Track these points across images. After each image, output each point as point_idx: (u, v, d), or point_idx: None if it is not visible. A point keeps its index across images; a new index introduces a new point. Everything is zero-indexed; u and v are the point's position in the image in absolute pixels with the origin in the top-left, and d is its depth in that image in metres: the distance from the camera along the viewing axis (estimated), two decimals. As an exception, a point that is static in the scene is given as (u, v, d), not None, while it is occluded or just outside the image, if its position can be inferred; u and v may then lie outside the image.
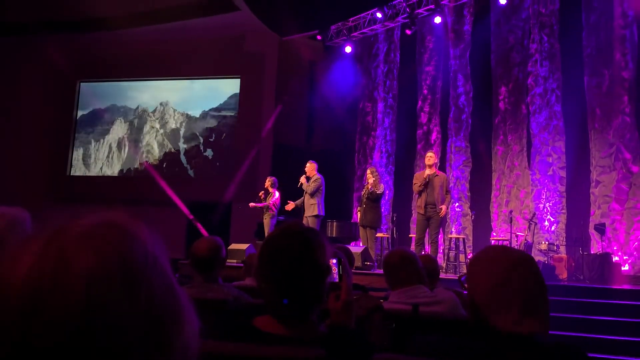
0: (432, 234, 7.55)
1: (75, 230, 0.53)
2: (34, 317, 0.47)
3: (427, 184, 7.52)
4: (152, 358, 0.51)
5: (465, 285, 1.37)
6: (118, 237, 0.53)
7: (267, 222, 8.72)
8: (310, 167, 8.38)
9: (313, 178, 8.27)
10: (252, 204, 8.89)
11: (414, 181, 7.80)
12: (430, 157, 7.65)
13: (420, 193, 7.59)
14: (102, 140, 13.41)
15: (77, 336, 0.47)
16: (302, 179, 8.29)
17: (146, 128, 13.18)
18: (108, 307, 0.49)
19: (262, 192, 8.86)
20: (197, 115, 12.89)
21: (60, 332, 0.47)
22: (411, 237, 9.10)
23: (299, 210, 8.48)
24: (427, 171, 7.60)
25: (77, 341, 0.47)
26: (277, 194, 8.71)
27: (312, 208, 8.17)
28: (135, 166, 12.96)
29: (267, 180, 8.87)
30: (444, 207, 7.45)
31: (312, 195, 8.18)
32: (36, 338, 0.47)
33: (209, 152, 12.67)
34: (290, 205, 8.56)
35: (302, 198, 8.42)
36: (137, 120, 13.27)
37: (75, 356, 0.47)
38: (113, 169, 13.17)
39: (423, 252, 7.36)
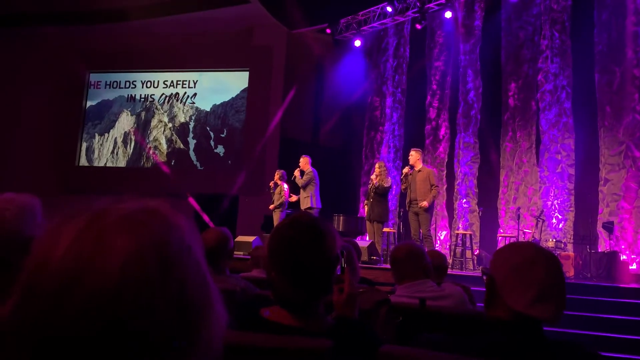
0: (423, 230, 7.56)
1: (116, 214, 0.54)
2: (69, 298, 0.48)
3: (406, 180, 7.60)
4: (178, 345, 0.52)
5: (487, 272, 1.38)
6: (157, 224, 0.54)
7: (276, 216, 8.75)
8: (304, 161, 8.52)
9: (306, 172, 8.36)
10: (271, 206, 8.89)
11: None
12: (411, 156, 7.70)
13: (406, 190, 7.65)
14: (106, 135, 13.06)
15: (108, 318, 0.48)
16: (296, 173, 8.48)
17: (154, 122, 12.83)
18: (140, 292, 0.49)
19: (272, 182, 8.87)
20: (208, 109, 12.56)
21: (93, 314, 0.48)
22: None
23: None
24: (405, 169, 7.68)
25: (108, 323, 0.48)
26: (286, 186, 8.77)
27: (306, 201, 8.37)
28: (142, 163, 12.71)
29: (276, 174, 8.89)
30: (425, 202, 7.40)
31: (304, 188, 8.39)
32: (69, 319, 0.48)
33: (220, 149, 12.26)
34: (294, 198, 8.78)
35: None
36: (144, 113, 12.97)
37: (105, 337, 0.48)
38: (118, 165, 12.87)
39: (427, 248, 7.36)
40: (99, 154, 13.07)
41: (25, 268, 0.51)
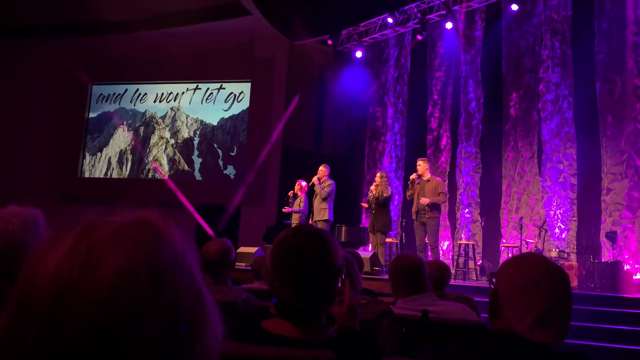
0: (430, 240, 7.53)
1: (107, 228, 0.53)
2: (60, 314, 0.48)
3: (413, 187, 7.57)
4: (172, 358, 0.51)
5: (494, 280, 1.36)
6: (148, 237, 0.54)
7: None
8: (324, 170, 8.35)
9: (326, 183, 8.26)
10: (294, 224, 8.79)
11: None
12: (419, 165, 7.68)
13: (412, 199, 7.61)
14: (99, 155, 12.27)
15: (100, 334, 0.48)
16: (315, 180, 8.28)
17: (154, 138, 12.00)
18: (132, 308, 0.49)
19: (291, 192, 8.78)
20: (215, 123, 11.74)
21: (84, 330, 0.48)
22: (420, 243, 9.09)
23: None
24: (413, 176, 7.65)
25: (99, 339, 0.48)
26: (305, 198, 8.66)
27: (323, 212, 8.17)
28: (141, 177, 12.23)
29: (296, 185, 8.74)
30: (427, 199, 7.35)
31: (324, 199, 8.19)
32: (60, 335, 0.48)
33: (230, 170, 11.22)
34: (287, 209, 8.66)
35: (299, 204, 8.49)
36: (143, 129, 12.27)
37: (97, 354, 0.48)
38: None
39: (431, 259, 7.34)
40: (90, 175, 12.44)
41: (17, 284, 0.51)
